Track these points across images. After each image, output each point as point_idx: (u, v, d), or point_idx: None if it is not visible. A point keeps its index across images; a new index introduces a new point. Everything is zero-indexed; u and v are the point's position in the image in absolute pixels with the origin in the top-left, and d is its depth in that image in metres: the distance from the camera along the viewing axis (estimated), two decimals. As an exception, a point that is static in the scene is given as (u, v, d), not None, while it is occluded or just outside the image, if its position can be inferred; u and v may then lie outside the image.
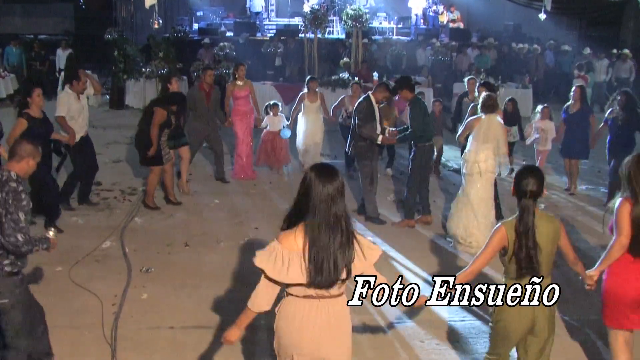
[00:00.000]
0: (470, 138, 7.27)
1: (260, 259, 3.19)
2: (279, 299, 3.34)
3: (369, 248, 3.27)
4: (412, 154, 7.97)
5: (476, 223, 7.15)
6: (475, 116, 7.35)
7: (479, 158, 7.15)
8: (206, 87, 9.56)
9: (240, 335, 3.41)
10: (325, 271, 3.12)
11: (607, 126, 8.93)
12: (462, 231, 7.25)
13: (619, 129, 8.72)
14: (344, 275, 3.17)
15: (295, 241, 3.15)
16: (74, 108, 7.80)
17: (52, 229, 4.29)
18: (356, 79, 13.21)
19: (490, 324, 3.99)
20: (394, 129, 8.25)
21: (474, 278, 3.88)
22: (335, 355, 3.32)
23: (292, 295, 3.26)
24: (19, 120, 7.10)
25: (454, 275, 3.88)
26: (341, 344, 3.33)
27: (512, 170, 8.39)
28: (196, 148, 9.76)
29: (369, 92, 8.17)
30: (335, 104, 10.65)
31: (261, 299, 3.27)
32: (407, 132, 7.89)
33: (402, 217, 8.17)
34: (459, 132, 7.58)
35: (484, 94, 7.43)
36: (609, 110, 9.01)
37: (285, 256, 3.15)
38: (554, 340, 3.93)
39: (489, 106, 7.19)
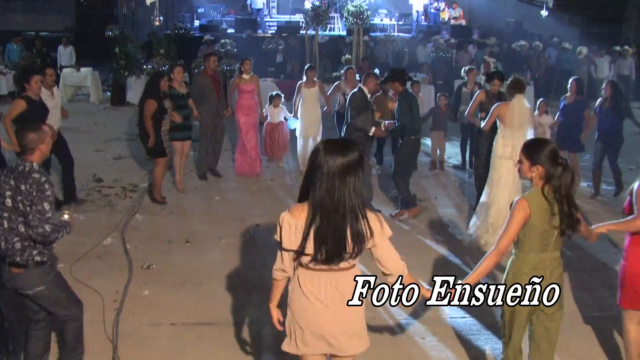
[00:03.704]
0: (499, 124, 7.18)
1: (276, 230, 3.27)
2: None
3: (385, 223, 3.27)
4: (399, 146, 8.00)
5: (507, 212, 7.06)
6: (502, 102, 7.27)
7: (516, 143, 6.97)
8: (210, 72, 9.48)
9: (277, 312, 3.51)
10: (328, 246, 3.13)
11: (597, 116, 9.08)
12: (493, 221, 7.14)
13: (606, 118, 8.88)
14: (349, 251, 3.16)
15: (303, 213, 3.18)
16: (48, 104, 7.58)
17: (66, 211, 4.38)
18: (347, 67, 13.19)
19: (501, 308, 3.93)
20: (388, 121, 8.27)
21: (501, 259, 3.81)
22: (348, 327, 3.31)
23: (302, 267, 3.27)
24: (17, 101, 6.98)
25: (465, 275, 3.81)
26: (354, 316, 3.33)
27: None
28: (209, 140, 9.66)
29: (360, 84, 8.16)
30: (330, 90, 10.68)
31: (280, 269, 3.34)
32: (396, 126, 7.94)
33: (399, 208, 8.14)
34: (484, 122, 7.42)
35: (510, 78, 7.35)
36: (597, 101, 9.17)
37: (292, 225, 3.18)
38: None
39: (517, 87, 7.12)
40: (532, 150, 3.71)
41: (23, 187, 3.96)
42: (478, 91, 8.53)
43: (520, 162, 3.77)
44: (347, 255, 3.18)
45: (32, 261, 4.07)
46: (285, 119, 10.36)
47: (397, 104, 8.02)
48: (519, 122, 7.08)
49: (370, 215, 3.22)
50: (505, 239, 3.73)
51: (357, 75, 11.50)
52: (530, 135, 7.22)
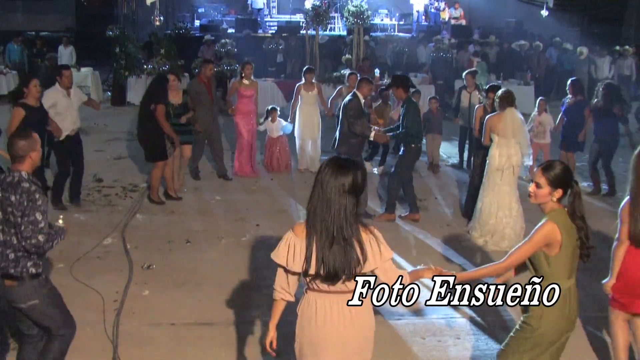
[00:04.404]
0: (493, 136, 7.23)
1: (275, 251, 3.23)
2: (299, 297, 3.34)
3: (384, 245, 3.21)
4: (401, 152, 8.01)
5: (507, 219, 7.19)
6: (494, 113, 7.32)
7: (511, 152, 7.14)
8: (204, 79, 9.46)
9: (274, 333, 3.41)
10: (325, 265, 3.10)
11: (592, 116, 9.21)
12: (492, 228, 7.25)
13: (601, 119, 9.00)
14: (345, 273, 3.11)
15: (304, 232, 3.15)
16: (61, 104, 7.73)
17: (60, 216, 4.26)
18: (349, 70, 13.22)
19: (519, 330, 3.68)
20: (378, 127, 8.29)
21: (505, 272, 3.77)
22: (358, 351, 3.30)
23: (310, 290, 3.25)
24: (16, 109, 7.03)
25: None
26: (364, 339, 3.32)
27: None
28: (203, 144, 9.70)
29: (354, 90, 8.13)
30: (332, 95, 10.69)
31: (280, 288, 3.30)
32: (400, 131, 7.90)
33: (383, 211, 8.17)
34: (482, 136, 7.45)
35: (501, 90, 7.41)
36: (594, 101, 9.25)
37: (293, 244, 3.16)
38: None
39: (508, 99, 7.18)
40: (553, 173, 3.55)
41: (13, 198, 3.84)
42: (477, 106, 8.53)
43: (538, 186, 3.58)
44: (344, 277, 3.14)
45: (27, 273, 3.93)
46: (283, 125, 10.35)
47: (403, 110, 7.94)
48: (512, 133, 7.14)
49: (367, 239, 3.17)
50: (518, 256, 3.59)
51: (359, 76, 11.48)
52: (525, 144, 7.30)
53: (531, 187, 3.63)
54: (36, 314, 4.04)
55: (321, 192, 3.11)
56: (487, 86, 8.47)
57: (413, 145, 7.89)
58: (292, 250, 3.17)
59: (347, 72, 15.14)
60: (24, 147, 3.94)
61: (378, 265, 3.20)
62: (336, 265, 3.10)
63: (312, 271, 3.13)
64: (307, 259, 3.12)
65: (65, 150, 7.93)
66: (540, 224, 3.57)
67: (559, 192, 3.57)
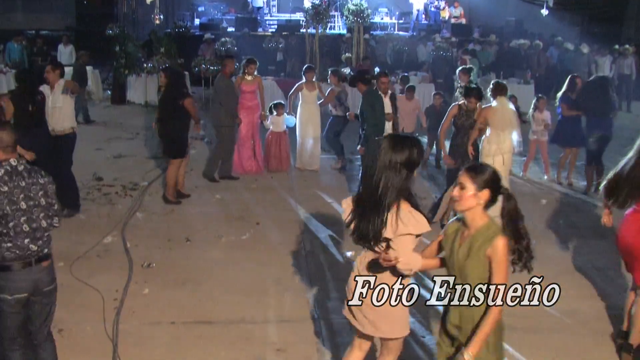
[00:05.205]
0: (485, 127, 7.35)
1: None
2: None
3: (415, 219, 3.39)
4: (366, 148, 8.10)
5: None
6: (487, 105, 7.42)
7: (500, 140, 7.31)
8: (228, 74, 9.62)
9: None
10: (357, 228, 3.44)
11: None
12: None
13: (594, 115, 9.06)
14: (371, 237, 3.38)
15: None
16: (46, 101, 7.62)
17: None
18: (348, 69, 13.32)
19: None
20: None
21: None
22: (373, 319, 3.53)
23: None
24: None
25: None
26: (380, 313, 3.51)
27: None
28: (233, 139, 9.67)
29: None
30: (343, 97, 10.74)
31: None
32: (365, 126, 8.17)
33: None
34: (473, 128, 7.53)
35: (492, 82, 7.53)
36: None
37: (347, 204, 3.57)
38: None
39: (499, 89, 7.30)
40: (477, 172, 3.26)
41: (42, 180, 3.99)
42: (453, 104, 8.49)
43: (462, 187, 3.25)
44: (372, 240, 3.40)
45: (50, 251, 4.08)
46: (287, 126, 10.36)
47: (361, 102, 8.32)
48: (504, 124, 7.25)
49: (393, 212, 3.35)
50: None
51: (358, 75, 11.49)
52: (519, 132, 7.53)
53: (455, 191, 3.29)
54: (52, 298, 4.12)
55: (374, 164, 3.39)
56: (471, 87, 8.34)
57: (372, 139, 7.87)
58: (347, 209, 3.56)
59: (346, 70, 15.19)
60: (15, 136, 4.00)
61: (392, 237, 3.38)
62: (363, 230, 3.40)
63: (351, 232, 3.51)
64: (350, 220, 3.50)
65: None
66: (494, 243, 3.18)
67: (485, 194, 3.22)
